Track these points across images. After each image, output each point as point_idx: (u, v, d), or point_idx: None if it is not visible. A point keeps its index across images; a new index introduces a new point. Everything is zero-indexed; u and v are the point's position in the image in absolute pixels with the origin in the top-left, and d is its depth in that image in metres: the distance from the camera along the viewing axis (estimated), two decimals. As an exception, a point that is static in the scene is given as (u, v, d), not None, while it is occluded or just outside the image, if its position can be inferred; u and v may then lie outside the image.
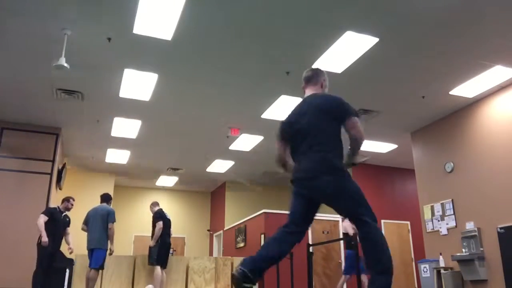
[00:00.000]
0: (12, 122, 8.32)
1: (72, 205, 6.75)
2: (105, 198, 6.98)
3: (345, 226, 7.42)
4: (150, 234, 7.08)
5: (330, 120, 2.68)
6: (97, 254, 6.41)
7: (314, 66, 6.17)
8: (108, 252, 6.55)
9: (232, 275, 2.46)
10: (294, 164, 2.76)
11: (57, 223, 6.45)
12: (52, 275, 6.40)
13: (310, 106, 2.77)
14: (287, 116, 2.91)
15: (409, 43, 5.75)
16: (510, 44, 5.76)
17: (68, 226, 6.74)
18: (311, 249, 6.08)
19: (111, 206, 6.94)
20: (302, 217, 2.63)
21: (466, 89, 7.04)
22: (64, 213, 6.67)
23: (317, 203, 2.67)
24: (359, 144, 2.67)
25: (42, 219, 6.35)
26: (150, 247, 6.90)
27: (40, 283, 6.22)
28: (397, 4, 4.95)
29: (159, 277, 6.58)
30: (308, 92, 2.95)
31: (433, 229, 8.04)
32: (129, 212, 13.07)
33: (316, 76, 2.98)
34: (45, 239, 6.20)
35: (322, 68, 3.14)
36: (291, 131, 2.80)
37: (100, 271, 6.60)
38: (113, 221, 6.63)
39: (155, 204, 7.38)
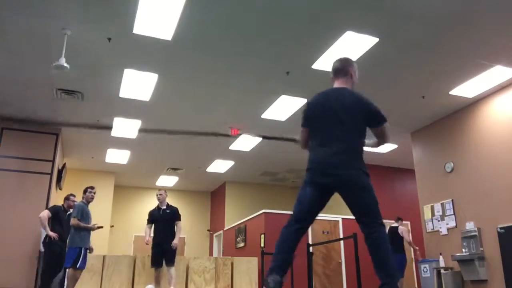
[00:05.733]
0: (12, 122, 8.32)
1: (73, 202, 6.63)
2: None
3: (402, 230, 8.00)
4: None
5: (363, 119, 2.69)
6: (68, 253, 5.81)
7: (313, 66, 6.18)
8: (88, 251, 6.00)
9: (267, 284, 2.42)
10: (315, 152, 2.68)
11: (62, 222, 6.42)
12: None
13: (340, 101, 2.71)
14: (313, 103, 2.82)
15: (409, 43, 5.75)
16: (510, 44, 5.76)
17: None
18: (311, 249, 6.09)
19: (85, 200, 6.13)
20: (311, 209, 2.59)
21: (466, 89, 7.04)
22: (69, 212, 6.60)
23: (329, 195, 2.63)
24: (378, 147, 2.92)
25: (45, 213, 6.29)
26: (175, 248, 6.55)
27: (47, 283, 6.17)
28: (397, 4, 4.95)
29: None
30: (337, 84, 2.88)
31: (433, 229, 8.04)
32: (129, 212, 13.08)
33: (344, 67, 2.90)
34: (50, 233, 6.16)
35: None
36: (317, 121, 2.74)
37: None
38: (74, 215, 5.86)
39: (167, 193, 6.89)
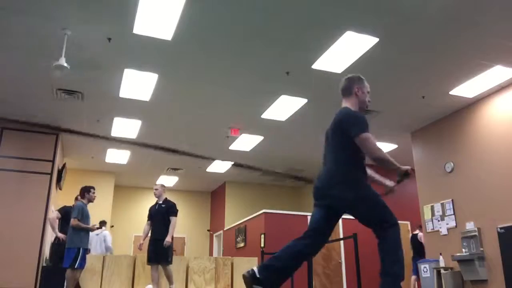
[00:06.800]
0: (12, 122, 8.32)
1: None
2: (80, 193, 6.18)
3: (420, 236, 8.74)
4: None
5: (342, 134, 2.68)
6: (66, 253, 5.85)
7: (313, 66, 6.17)
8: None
9: (243, 276, 2.50)
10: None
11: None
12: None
13: (333, 121, 2.84)
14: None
15: (409, 43, 5.75)
16: (510, 44, 5.76)
17: None
18: (311, 249, 6.08)
19: (86, 200, 6.18)
20: (321, 228, 2.67)
21: (466, 89, 7.04)
22: None
23: (337, 213, 2.70)
24: (379, 162, 2.60)
25: (54, 214, 6.27)
26: (168, 246, 6.15)
27: (55, 284, 6.14)
28: (397, 4, 4.95)
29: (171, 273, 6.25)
30: (343, 104, 2.95)
31: (433, 229, 8.03)
32: (129, 212, 13.07)
33: (350, 86, 2.94)
34: (59, 234, 6.14)
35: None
36: (325, 143, 2.91)
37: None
38: (74, 216, 5.89)
39: (164, 188, 6.61)
